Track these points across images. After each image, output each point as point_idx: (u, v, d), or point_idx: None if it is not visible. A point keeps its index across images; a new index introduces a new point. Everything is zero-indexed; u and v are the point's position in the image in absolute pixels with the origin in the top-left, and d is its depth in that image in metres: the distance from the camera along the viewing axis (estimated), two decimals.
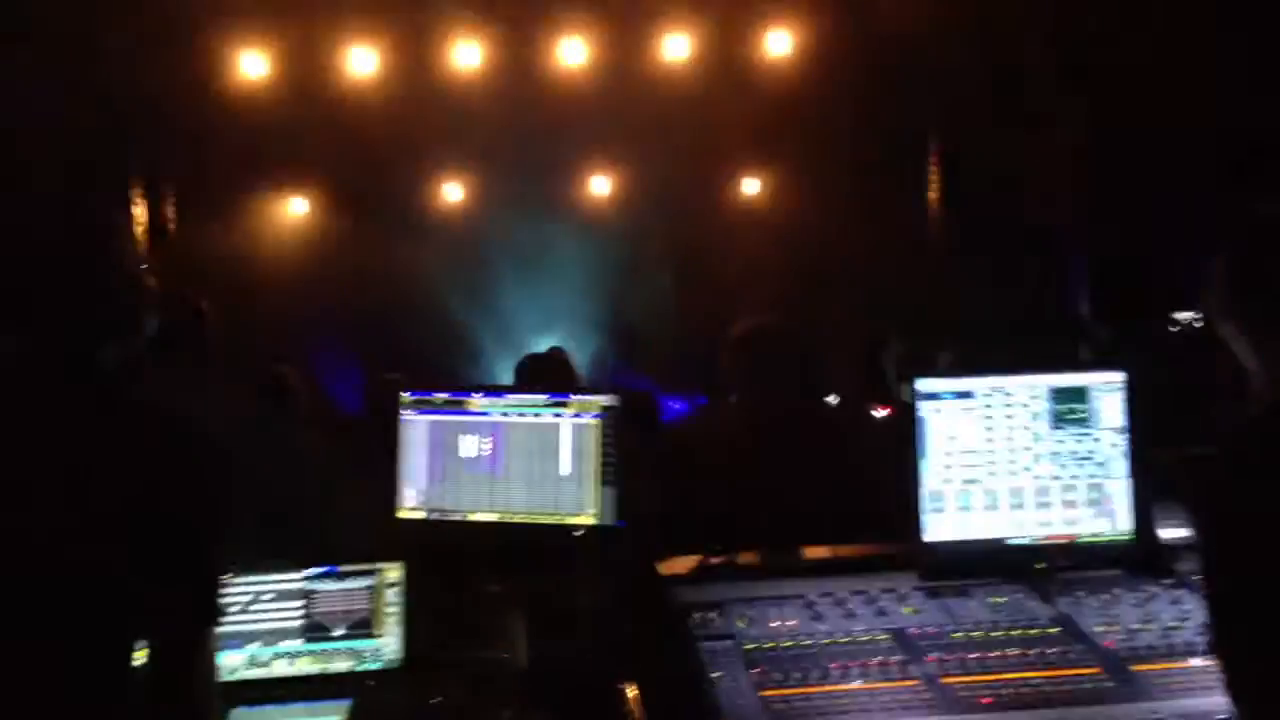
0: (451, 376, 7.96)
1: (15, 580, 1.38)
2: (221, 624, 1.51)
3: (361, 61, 7.47)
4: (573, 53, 7.39)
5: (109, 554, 1.40)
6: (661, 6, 7.32)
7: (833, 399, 4.22)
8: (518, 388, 2.51)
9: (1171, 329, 3.01)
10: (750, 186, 8.30)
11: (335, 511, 2.85)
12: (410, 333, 7.98)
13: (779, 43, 7.30)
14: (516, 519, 2.35)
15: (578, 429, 2.36)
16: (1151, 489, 1.98)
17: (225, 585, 1.59)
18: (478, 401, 2.39)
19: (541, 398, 2.37)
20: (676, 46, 7.36)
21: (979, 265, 6.27)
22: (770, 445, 2.85)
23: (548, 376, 3.00)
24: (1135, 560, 1.98)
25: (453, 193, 8.42)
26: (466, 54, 7.45)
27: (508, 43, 7.45)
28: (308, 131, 7.36)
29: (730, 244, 7.79)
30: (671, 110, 7.28)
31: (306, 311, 7.70)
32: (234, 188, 7.64)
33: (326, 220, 8.37)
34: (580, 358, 5.90)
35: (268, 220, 8.32)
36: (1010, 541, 2.02)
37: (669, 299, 8.22)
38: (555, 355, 3.22)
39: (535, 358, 3.18)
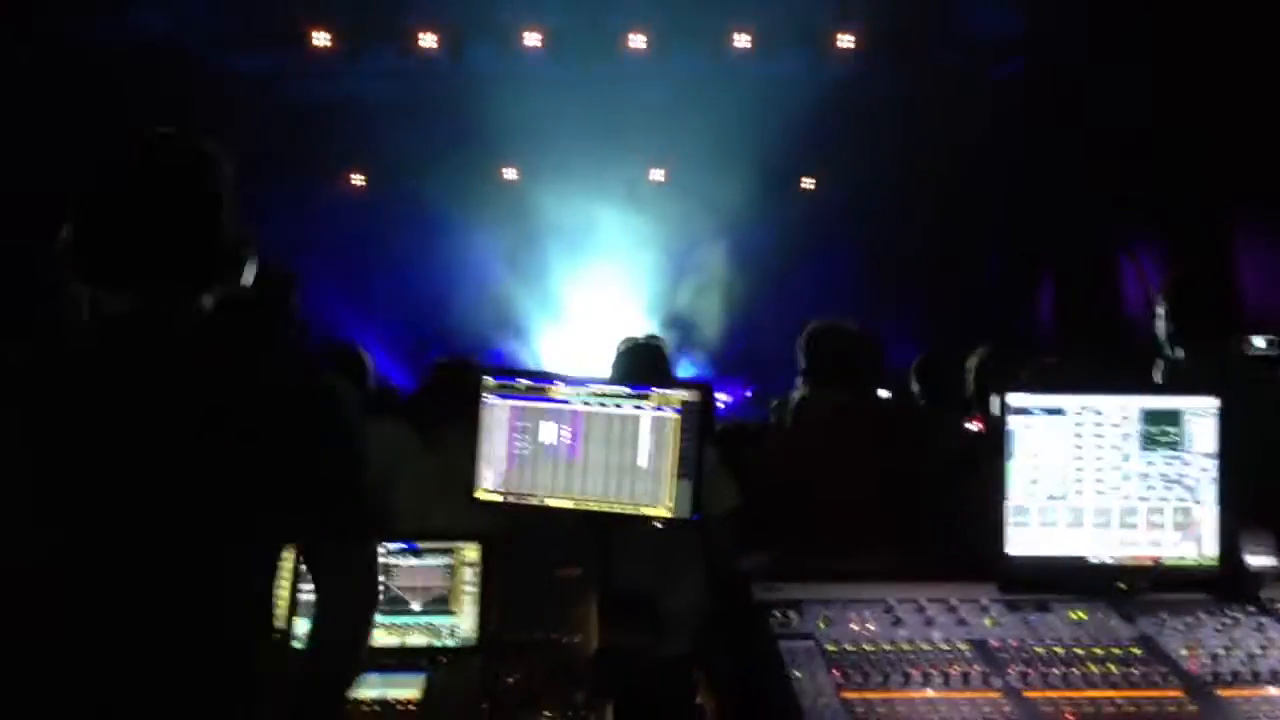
0: (497, 353, 8.05)
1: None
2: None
3: (423, 42, 7.52)
4: (636, 40, 7.40)
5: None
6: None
7: (884, 394, 4.22)
8: (600, 378, 2.53)
9: (1248, 353, 2.97)
10: (809, 182, 8.28)
11: (409, 488, 2.91)
12: (461, 311, 8.06)
13: (845, 40, 7.26)
14: (592, 507, 2.38)
15: (657, 422, 2.38)
16: (1240, 515, 1.98)
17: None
18: (560, 389, 2.42)
19: (623, 389, 2.39)
20: (740, 38, 7.34)
21: (1052, 277, 6.23)
22: (835, 441, 2.89)
23: (645, 364, 3.05)
24: (1220, 586, 1.98)
25: (509, 173, 8.47)
26: (529, 37, 7.48)
27: (570, 28, 7.47)
28: (365, 110, 7.43)
29: (787, 239, 7.78)
30: (732, 101, 7.27)
31: (361, 290, 7.80)
32: (291, 165, 7.75)
33: (381, 199, 8.44)
34: None
35: (323, 198, 8.41)
36: (1093, 560, 2.03)
37: (723, 291, 8.23)
38: (652, 344, 3.26)
39: (633, 345, 3.24)
